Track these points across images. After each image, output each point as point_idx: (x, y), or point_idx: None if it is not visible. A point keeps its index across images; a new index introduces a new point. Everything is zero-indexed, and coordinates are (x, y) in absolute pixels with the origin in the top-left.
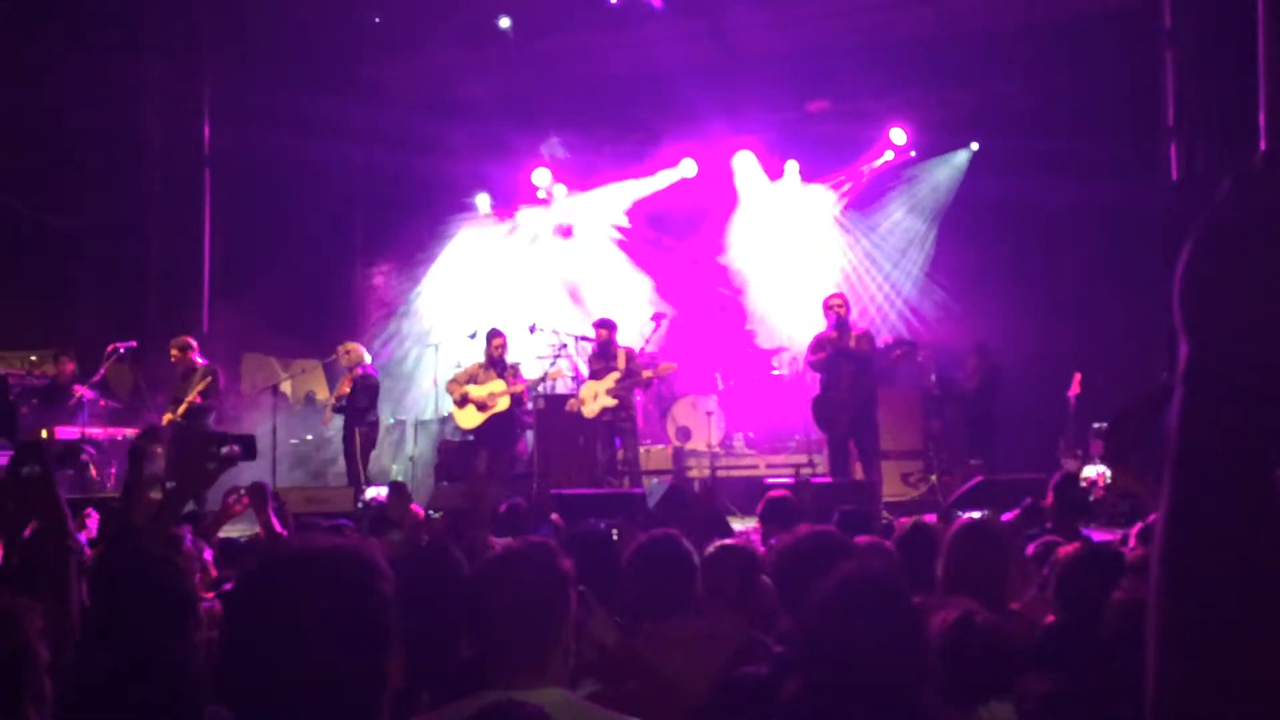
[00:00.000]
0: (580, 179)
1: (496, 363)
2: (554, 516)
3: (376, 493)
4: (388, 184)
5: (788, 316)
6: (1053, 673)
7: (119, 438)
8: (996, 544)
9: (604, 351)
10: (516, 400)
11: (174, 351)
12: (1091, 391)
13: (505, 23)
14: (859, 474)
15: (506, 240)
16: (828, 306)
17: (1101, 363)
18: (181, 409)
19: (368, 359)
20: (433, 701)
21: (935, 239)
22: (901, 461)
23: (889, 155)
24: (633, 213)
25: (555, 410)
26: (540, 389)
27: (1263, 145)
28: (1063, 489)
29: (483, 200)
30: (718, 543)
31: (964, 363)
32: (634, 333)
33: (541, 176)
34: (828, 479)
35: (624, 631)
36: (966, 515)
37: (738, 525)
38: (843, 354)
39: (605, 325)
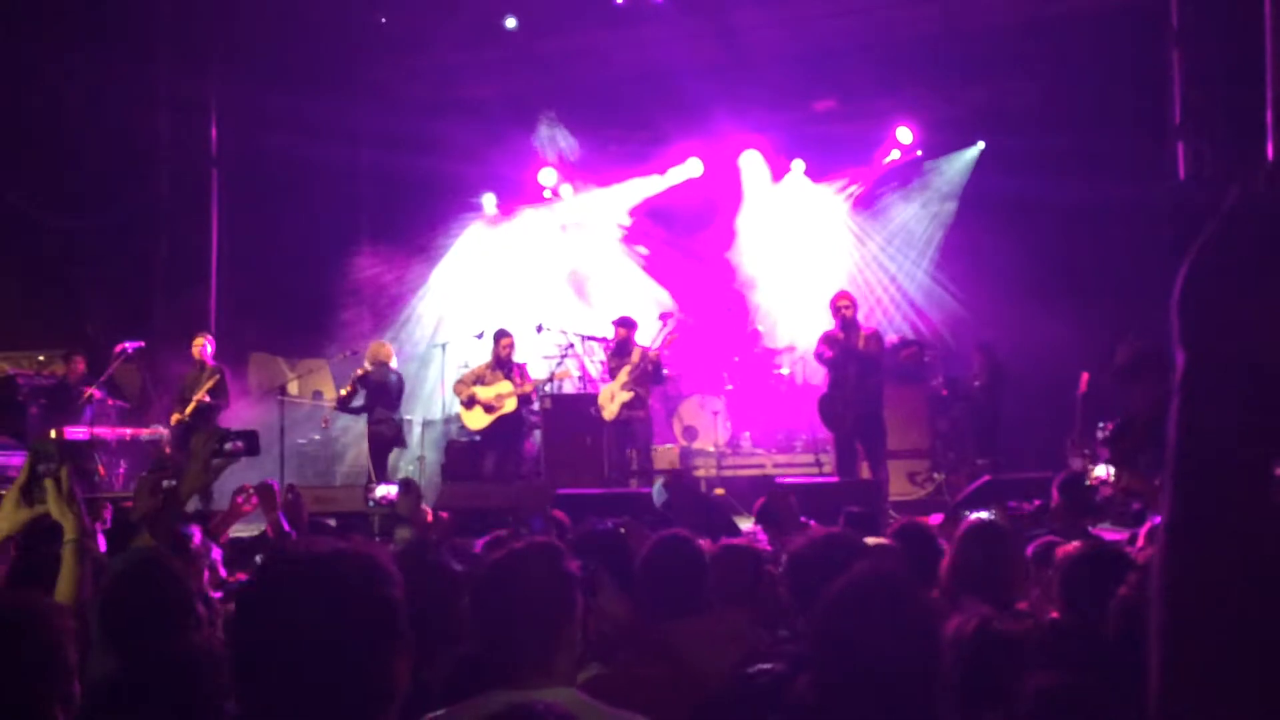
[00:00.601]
0: (587, 178)
1: (504, 363)
2: (556, 513)
3: (386, 491)
4: (394, 184)
5: (795, 316)
6: (1054, 669)
7: (127, 438)
8: (1005, 544)
9: (621, 349)
10: (523, 400)
11: (198, 340)
12: (1099, 391)
13: (511, 22)
14: (866, 473)
15: (513, 240)
16: (835, 307)
17: (1109, 363)
18: (189, 408)
19: (382, 356)
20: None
21: (942, 238)
22: (909, 461)
23: (896, 154)
24: (639, 212)
25: (562, 410)
26: (547, 389)
27: (1269, 144)
28: (1068, 488)
29: (489, 200)
30: (724, 542)
31: (970, 362)
32: (642, 332)
33: (548, 176)
34: (819, 480)
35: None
36: (974, 515)
37: (745, 525)
38: (850, 354)
39: (625, 324)
